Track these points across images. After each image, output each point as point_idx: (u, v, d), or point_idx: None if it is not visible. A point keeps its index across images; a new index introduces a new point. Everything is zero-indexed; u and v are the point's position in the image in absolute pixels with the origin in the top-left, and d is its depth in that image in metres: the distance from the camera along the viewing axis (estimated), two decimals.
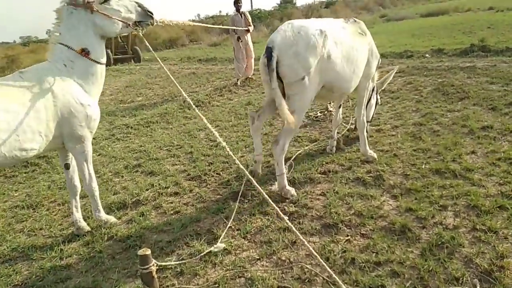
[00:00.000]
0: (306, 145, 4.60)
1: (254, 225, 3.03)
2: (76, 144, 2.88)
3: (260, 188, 2.19)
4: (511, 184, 3.13)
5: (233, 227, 3.04)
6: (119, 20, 2.89)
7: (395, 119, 5.13)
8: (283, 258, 2.60)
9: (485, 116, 4.74)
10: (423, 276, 2.27)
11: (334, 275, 1.85)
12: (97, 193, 3.13)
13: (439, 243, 2.53)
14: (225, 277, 2.47)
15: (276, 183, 3.46)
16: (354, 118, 4.53)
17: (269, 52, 3.05)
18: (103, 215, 3.23)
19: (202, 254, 2.67)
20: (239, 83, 8.61)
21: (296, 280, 2.39)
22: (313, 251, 1.88)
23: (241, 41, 8.43)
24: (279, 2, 39.15)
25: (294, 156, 4.13)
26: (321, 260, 1.86)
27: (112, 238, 3.07)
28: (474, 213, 2.83)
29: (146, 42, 3.08)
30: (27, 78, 2.66)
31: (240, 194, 3.41)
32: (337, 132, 4.40)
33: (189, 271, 2.56)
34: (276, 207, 2.04)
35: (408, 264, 2.39)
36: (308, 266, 2.47)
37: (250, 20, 8.54)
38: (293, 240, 2.76)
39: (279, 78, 3.10)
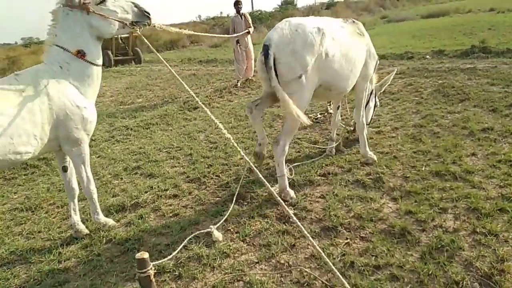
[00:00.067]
0: (306, 147, 4.59)
1: (253, 228, 3.01)
2: (72, 147, 2.87)
3: (263, 179, 2.16)
4: None
5: (231, 230, 3.03)
6: (115, 21, 2.87)
7: (395, 121, 5.12)
8: (282, 261, 2.59)
9: (486, 117, 4.72)
10: (422, 279, 2.26)
11: (339, 275, 1.83)
12: (95, 196, 3.12)
13: (439, 246, 2.52)
14: (224, 281, 2.45)
15: (276, 185, 3.44)
16: (353, 120, 4.51)
17: (266, 50, 3.03)
18: (101, 218, 3.22)
19: (198, 232, 2.61)
20: (239, 85, 8.61)
21: (295, 284, 2.37)
22: (318, 248, 1.86)
23: (240, 45, 8.48)
24: (280, 4, 39.15)
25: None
26: (326, 258, 1.84)
27: (111, 241, 3.06)
28: (474, 216, 2.81)
29: (148, 43, 3.07)
30: (22, 81, 2.64)
31: (236, 195, 3.39)
32: (337, 134, 4.39)
33: (187, 275, 2.55)
34: (283, 203, 2.01)
35: (408, 267, 2.37)
36: (307, 269, 2.46)
37: (250, 21, 8.54)
38: (292, 243, 2.75)
39: (276, 76, 3.08)
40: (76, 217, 3.16)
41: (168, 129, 6.12)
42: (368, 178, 3.58)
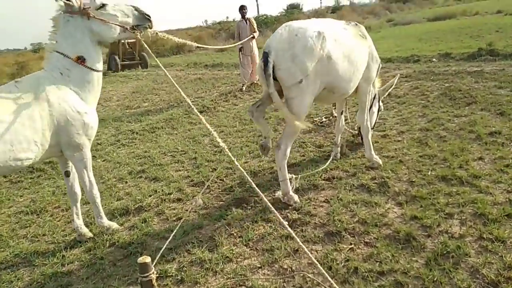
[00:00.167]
0: (311, 151, 4.56)
1: (257, 232, 2.99)
2: (74, 152, 2.88)
3: (262, 194, 2.15)
4: None
5: (235, 234, 3.01)
6: (116, 25, 2.88)
7: (401, 125, 5.08)
8: (285, 266, 2.57)
9: (493, 121, 4.66)
10: (427, 286, 2.22)
11: (321, 269, 1.81)
12: (98, 200, 3.13)
13: (445, 252, 2.47)
14: (226, 286, 2.44)
15: (278, 191, 3.42)
16: (357, 125, 4.48)
17: (265, 57, 3.04)
18: (105, 222, 3.22)
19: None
20: (244, 89, 8.61)
21: None
22: (314, 260, 1.83)
23: (242, 53, 8.55)
24: (285, 8, 39.27)
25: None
26: (322, 269, 1.82)
27: (114, 244, 3.07)
28: (481, 222, 2.76)
29: (147, 47, 3.06)
30: (22, 88, 2.66)
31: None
32: (342, 138, 4.36)
33: (189, 279, 2.54)
34: (277, 213, 2.00)
35: (413, 274, 2.34)
36: (310, 275, 2.43)
37: (255, 26, 8.57)
38: (295, 248, 2.72)
39: (277, 81, 3.08)
40: (79, 221, 3.17)
41: (173, 133, 6.14)
42: (373, 183, 3.54)
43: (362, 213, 3.05)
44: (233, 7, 13.61)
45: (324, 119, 5.70)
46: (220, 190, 3.85)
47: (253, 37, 8.39)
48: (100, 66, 2.97)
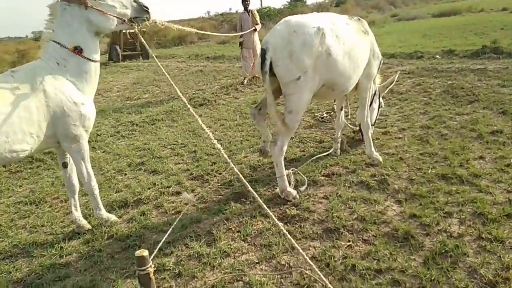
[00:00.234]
0: (311, 146, 4.55)
1: (255, 227, 2.99)
2: (71, 144, 2.86)
3: (255, 193, 2.14)
4: None
5: (233, 228, 3.01)
6: (114, 16, 2.83)
7: (402, 122, 5.05)
8: (283, 262, 2.57)
9: (495, 120, 4.63)
10: (425, 285, 2.22)
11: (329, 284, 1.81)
12: (96, 192, 3.12)
13: (443, 251, 2.47)
14: (223, 280, 2.44)
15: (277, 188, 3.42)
16: (357, 121, 4.46)
17: (263, 54, 3.03)
18: (104, 214, 3.22)
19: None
20: (245, 82, 8.57)
21: (295, 285, 2.35)
22: (308, 259, 1.83)
23: (243, 46, 8.49)
24: (289, 0, 38.91)
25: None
26: (316, 269, 1.82)
27: (112, 237, 3.07)
28: (480, 221, 2.75)
29: (142, 40, 3.00)
30: (18, 78, 2.62)
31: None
32: (342, 134, 4.34)
33: (187, 273, 2.54)
34: (272, 214, 1.99)
35: (410, 272, 2.33)
36: (307, 271, 2.43)
37: (258, 18, 8.49)
38: (293, 244, 2.71)
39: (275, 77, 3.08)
40: (77, 213, 3.17)
41: (173, 125, 6.12)
42: (373, 180, 3.53)
43: (361, 210, 3.05)
44: None
45: (325, 114, 5.67)
46: (219, 184, 3.84)
47: (255, 30, 8.32)
48: (97, 56, 2.93)
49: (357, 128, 4.64)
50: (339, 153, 4.20)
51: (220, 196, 3.58)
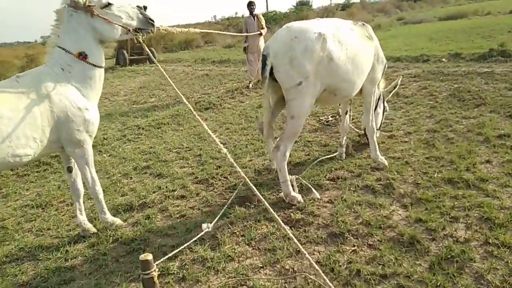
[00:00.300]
0: (316, 150, 4.54)
1: (259, 231, 2.99)
2: (75, 149, 2.88)
3: (261, 197, 2.14)
4: None
5: (237, 233, 3.01)
6: (119, 26, 2.85)
7: (408, 125, 5.02)
8: (287, 267, 2.56)
9: (502, 123, 4.59)
10: None
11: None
12: (101, 196, 3.14)
13: (449, 256, 2.44)
14: (227, 285, 2.43)
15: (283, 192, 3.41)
16: (362, 126, 4.44)
17: (263, 60, 3.06)
18: (109, 217, 3.23)
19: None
20: (251, 86, 8.59)
21: None
22: (314, 264, 1.82)
23: (248, 51, 8.53)
24: (295, 4, 39.01)
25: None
26: (322, 273, 1.80)
27: (117, 240, 3.08)
28: (487, 226, 2.72)
29: (146, 48, 3.04)
30: (23, 83, 2.65)
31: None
32: (347, 137, 4.32)
33: (191, 277, 2.54)
34: (278, 218, 1.98)
35: (416, 278, 2.31)
36: (311, 276, 2.42)
37: (263, 23, 8.52)
38: (298, 249, 2.69)
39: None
40: (82, 217, 3.19)
41: (179, 129, 6.14)
42: (378, 184, 3.51)
43: (366, 214, 3.03)
44: (242, 3, 13.56)
45: (330, 118, 5.66)
46: (223, 188, 3.84)
47: (261, 34, 8.35)
48: (102, 62, 2.96)
49: (362, 132, 4.63)
50: (344, 157, 4.18)
51: (224, 200, 3.58)
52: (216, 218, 2.89)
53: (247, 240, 2.89)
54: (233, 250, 2.77)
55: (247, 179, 2.32)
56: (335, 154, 4.21)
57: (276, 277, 2.46)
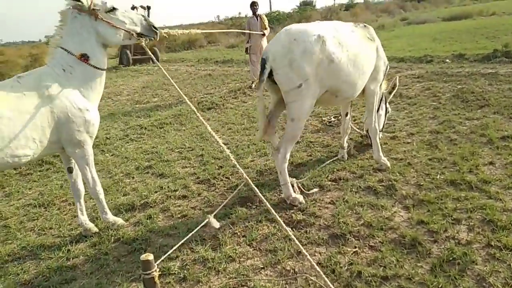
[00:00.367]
0: (318, 151, 4.53)
1: (260, 232, 2.99)
2: (75, 149, 2.88)
3: (262, 197, 2.14)
4: None
5: (238, 233, 3.00)
6: (122, 30, 2.85)
7: (411, 126, 5.00)
8: (288, 268, 2.55)
9: (506, 125, 4.56)
10: None
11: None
12: (102, 196, 3.14)
13: (451, 259, 2.43)
14: (228, 285, 2.43)
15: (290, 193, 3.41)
16: (365, 126, 4.43)
17: (262, 63, 3.07)
18: (110, 217, 3.24)
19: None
20: (253, 86, 8.59)
21: None
22: (315, 265, 1.81)
23: (249, 53, 8.56)
24: (298, 4, 38.94)
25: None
26: (323, 275, 1.80)
27: (119, 240, 3.09)
28: (489, 228, 2.70)
29: (148, 51, 3.03)
30: (24, 83, 2.66)
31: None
32: (350, 138, 4.31)
33: (192, 278, 2.54)
34: (280, 219, 1.98)
35: (417, 280, 2.30)
36: (312, 277, 2.41)
37: (266, 23, 8.51)
38: (299, 250, 2.68)
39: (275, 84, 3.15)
40: (83, 217, 3.20)
41: (181, 129, 6.15)
42: (380, 185, 3.50)
43: (367, 216, 3.02)
44: (245, 3, 13.53)
45: (332, 119, 5.65)
46: (225, 188, 3.84)
47: (264, 34, 8.34)
48: (104, 65, 2.96)
49: (365, 132, 4.62)
50: (346, 158, 4.17)
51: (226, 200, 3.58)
52: (217, 210, 2.87)
53: (248, 240, 2.89)
54: (234, 251, 2.77)
55: (249, 180, 2.32)
56: (336, 157, 4.18)
57: (277, 278, 2.46)
